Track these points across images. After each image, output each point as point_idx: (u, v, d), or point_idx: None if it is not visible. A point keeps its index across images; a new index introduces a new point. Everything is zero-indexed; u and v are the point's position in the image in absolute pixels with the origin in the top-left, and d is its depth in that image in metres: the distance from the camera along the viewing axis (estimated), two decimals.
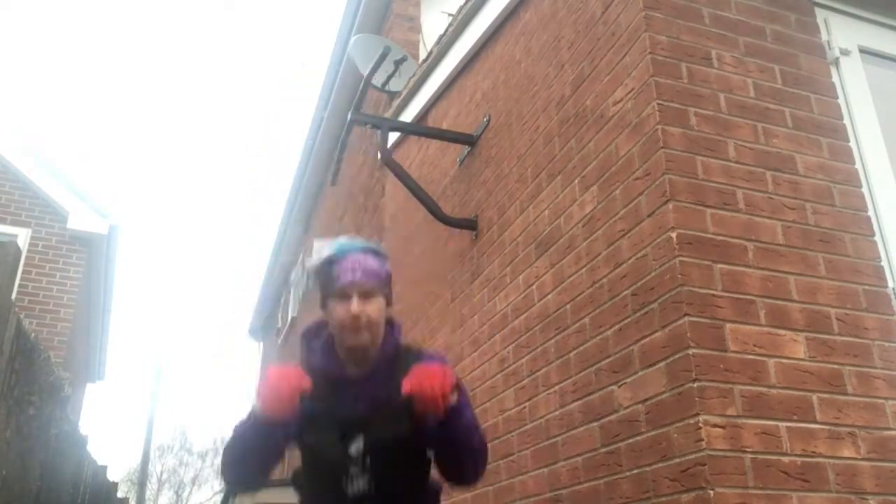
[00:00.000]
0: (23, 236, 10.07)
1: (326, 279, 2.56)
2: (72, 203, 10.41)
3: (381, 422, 2.46)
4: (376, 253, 2.64)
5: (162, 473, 39.75)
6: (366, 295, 2.51)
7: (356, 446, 2.47)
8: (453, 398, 2.35)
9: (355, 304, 2.48)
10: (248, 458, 2.47)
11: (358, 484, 2.47)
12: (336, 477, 2.48)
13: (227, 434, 2.56)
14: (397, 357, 2.60)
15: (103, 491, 10.90)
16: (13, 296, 3.19)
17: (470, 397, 2.79)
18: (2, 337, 3.32)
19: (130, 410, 61.86)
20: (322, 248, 2.60)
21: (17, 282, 9.24)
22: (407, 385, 2.33)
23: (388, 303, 2.62)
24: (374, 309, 2.52)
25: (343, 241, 2.64)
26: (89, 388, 16.29)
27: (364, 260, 2.55)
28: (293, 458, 2.79)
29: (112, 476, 12.74)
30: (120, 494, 15.76)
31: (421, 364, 2.42)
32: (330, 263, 2.55)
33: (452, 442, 2.47)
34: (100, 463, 10.73)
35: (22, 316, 3.77)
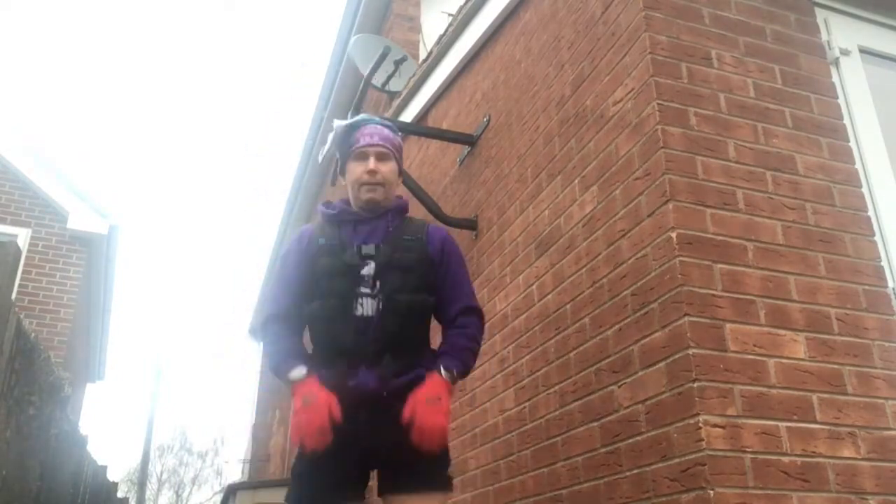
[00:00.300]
0: (23, 236, 10.06)
1: (347, 144, 2.93)
2: (72, 203, 10.39)
3: (391, 250, 2.78)
4: (391, 127, 3.00)
5: (162, 473, 39.76)
6: (382, 157, 2.89)
7: (368, 269, 2.75)
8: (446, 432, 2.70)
9: (373, 162, 2.86)
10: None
11: (366, 305, 2.71)
12: (347, 297, 2.72)
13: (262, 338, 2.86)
14: (405, 215, 2.97)
15: (103, 491, 10.88)
16: (13, 296, 3.21)
17: (467, 269, 3.09)
18: (2, 337, 3.31)
19: (130, 410, 61.84)
20: (343, 122, 2.95)
21: (17, 282, 9.23)
22: (407, 412, 2.59)
23: (399, 172, 3.00)
24: (389, 169, 2.91)
25: (363, 115, 3.00)
26: (89, 388, 16.28)
27: (381, 129, 2.94)
28: (291, 456, 2.79)
29: (112, 476, 12.73)
30: (120, 494, 15.76)
31: (420, 387, 2.65)
32: (351, 129, 2.93)
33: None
34: (100, 463, 10.71)
35: (22, 316, 3.77)
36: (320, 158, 2.56)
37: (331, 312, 2.73)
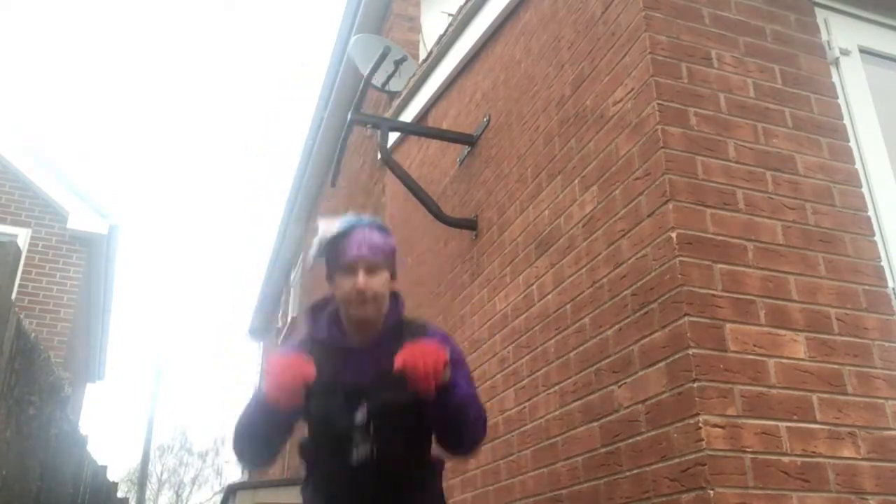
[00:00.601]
0: (23, 236, 10.07)
1: (334, 254, 2.64)
2: (72, 203, 10.40)
3: (383, 390, 2.52)
4: (381, 228, 2.71)
5: (162, 473, 39.77)
6: (371, 269, 2.59)
7: (360, 413, 2.53)
8: (445, 375, 2.39)
9: (361, 278, 2.56)
10: (256, 439, 2.56)
11: (361, 451, 2.52)
12: (341, 445, 2.54)
13: (233, 421, 2.60)
14: (400, 329, 2.68)
15: (103, 491, 10.90)
16: (13, 296, 3.19)
17: (470, 370, 2.84)
18: (2, 337, 3.32)
19: (130, 410, 61.92)
20: (329, 225, 2.66)
21: (17, 282, 9.24)
22: (399, 360, 2.37)
23: (392, 277, 2.71)
24: (379, 283, 2.61)
25: (350, 217, 2.71)
26: (89, 388, 16.30)
27: (370, 235, 2.63)
28: (292, 458, 2.79)
29: (112, 476, 12.75)
30: (120, 494, 15.76)
31: (419, 340, 2.48)
32: (337, 238, 2.62)
33: (445, 414, 2.52)
34: (100, 463, 10.73)
35: (22, 316, 3.77)
36: (307, 266, 2.35)
37: (325, 457, 2.64)
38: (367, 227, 2.66)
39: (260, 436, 2.56)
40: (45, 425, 5.55)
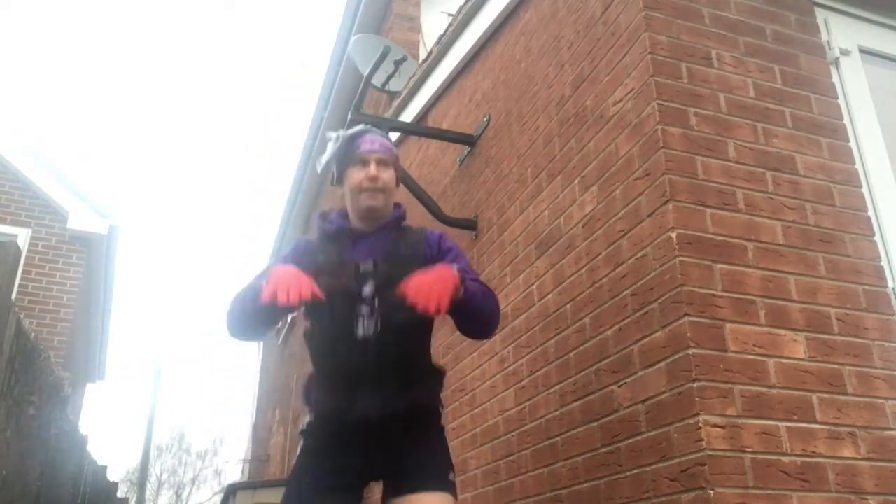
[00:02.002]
0: (23, 236, 10.07)
1: (348, 151, 2.86)
2: (72, 203, 10.41)
3: (390, 268, 2.69)
4: (389, 139, 2.97)
5: (161, 473, 39.78)
6: (382, 163, 2.84)
7: (368, 287, 2.68)
8: (459, 292, 2.52)
9: (374, 168, 2.81)
10: (248, 324, 2.74)
11: (367, 324, 2.65)
12: (347, 318, 2.66)
13: (229, 298, 2.75)
14: (403, 224, 2.92)
15: (103, 491, 10.89)
16: (13, 296, 3.20)
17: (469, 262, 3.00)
18: (2, 337, 3.32)
19: (130, 410, 61.83)
20: (340, 132, 2.91)
21: (17, 282, 9.24)
22: (406, 289, 2.44)
23: (397, 182, 2.95)
24: (389, 176, 2.86)
25: (362, 125, 2.99)
26: (89, 387, 16.30)
27: (381, 138, 2.91)
28: (294, 457, 2.79)
29: (112, 476, 12.74)
30: (120, 494, 15.76)
31: (429, 267, 2.56)
32: (352, 138, 2.87)
33: (464, 318, 2.73)
34: (100, 463, 10.72)
35: (22, 316, 3.78)
36: (319, 168, 2.51)
37: (332, 334, 2.71)
38: (376, 132, 2.93)
39: (251, 323, 2.73)
40: (45, 425, 5.55)
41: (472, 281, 2.67)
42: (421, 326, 2.77)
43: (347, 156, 2.87)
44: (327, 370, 2.76)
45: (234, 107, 70.87)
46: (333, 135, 2.92)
